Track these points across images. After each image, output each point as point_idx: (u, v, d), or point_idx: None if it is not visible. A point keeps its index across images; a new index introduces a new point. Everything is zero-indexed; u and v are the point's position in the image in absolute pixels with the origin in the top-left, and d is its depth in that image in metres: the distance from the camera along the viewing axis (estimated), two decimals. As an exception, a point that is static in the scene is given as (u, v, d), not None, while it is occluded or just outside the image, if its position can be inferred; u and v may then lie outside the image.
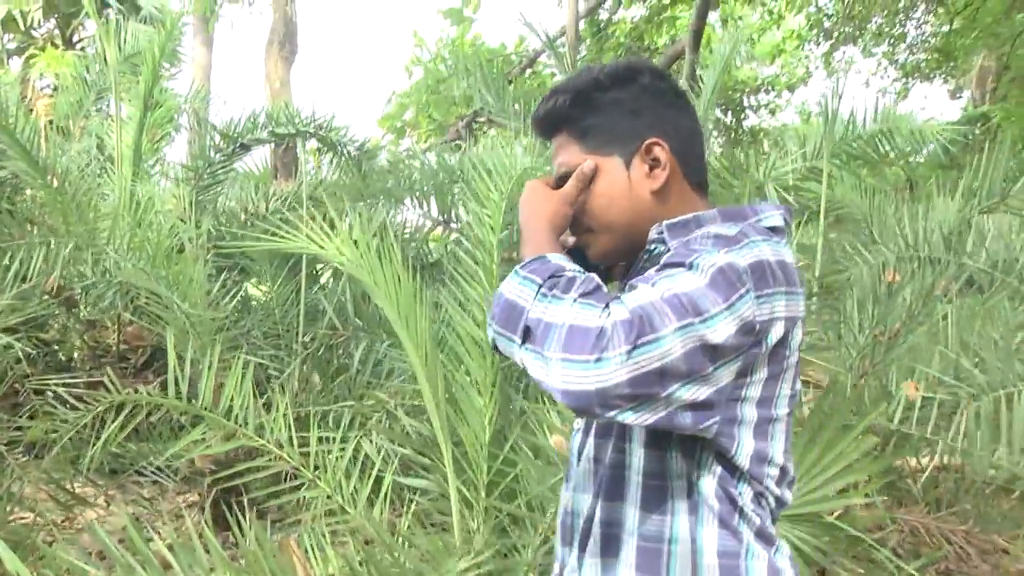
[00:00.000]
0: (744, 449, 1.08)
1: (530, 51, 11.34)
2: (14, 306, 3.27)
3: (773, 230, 1.15)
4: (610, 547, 1.15)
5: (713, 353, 0.98)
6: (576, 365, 0.94)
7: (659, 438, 1.11)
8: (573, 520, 1.23)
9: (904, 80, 16.50)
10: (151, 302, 4.34)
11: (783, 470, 1.15)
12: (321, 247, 2.04)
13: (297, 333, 5.13)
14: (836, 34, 15.42)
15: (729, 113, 15.12)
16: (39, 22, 11.18)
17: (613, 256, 1.26)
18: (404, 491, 2.71)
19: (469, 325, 2.44)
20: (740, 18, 14.15)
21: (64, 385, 3.14)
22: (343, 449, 2.48)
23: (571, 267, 1.08)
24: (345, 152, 5.16)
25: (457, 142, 11.39)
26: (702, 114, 5.19)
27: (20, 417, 3.47)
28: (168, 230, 4.23)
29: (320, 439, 2.40)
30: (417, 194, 4.38)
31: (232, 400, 2.35)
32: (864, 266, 3.95)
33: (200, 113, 7.84)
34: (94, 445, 2.68)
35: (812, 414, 2.32)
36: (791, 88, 16.88)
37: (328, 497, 2.27)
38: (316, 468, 2.45)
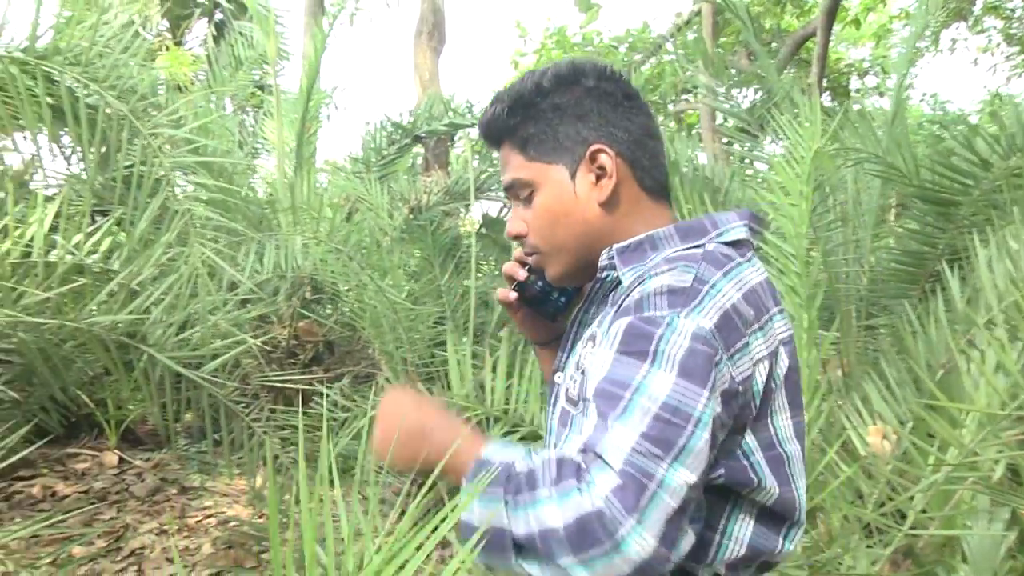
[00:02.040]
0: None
1: (655, 37, 11.09)
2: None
3: (736, 244, 1.05)
4: None
5: (712, 441, 0.88)
6: (600, 561, 0.83)
7: None
8: None
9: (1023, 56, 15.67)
10: (338, 296, 4.29)
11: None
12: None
13: (467, 325, 5.04)
14: (946, 11, 14.76)
15: (831, 97, 14.56)
16: (156, 25, 11.40)
17: (571, 279, 1.15)
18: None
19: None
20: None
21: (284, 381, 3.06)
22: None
23: (509, 455, 0.93)
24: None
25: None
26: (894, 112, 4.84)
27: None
28: (361, 222, 4.16)
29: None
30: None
31: (520, 402, 2.23)
32: None
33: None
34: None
35: None
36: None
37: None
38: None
